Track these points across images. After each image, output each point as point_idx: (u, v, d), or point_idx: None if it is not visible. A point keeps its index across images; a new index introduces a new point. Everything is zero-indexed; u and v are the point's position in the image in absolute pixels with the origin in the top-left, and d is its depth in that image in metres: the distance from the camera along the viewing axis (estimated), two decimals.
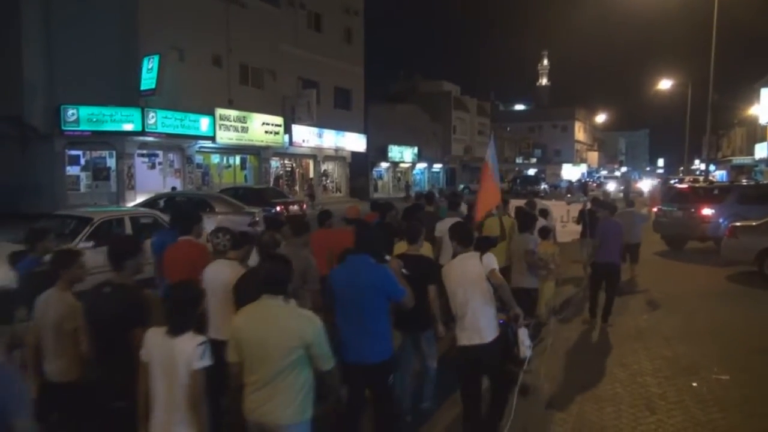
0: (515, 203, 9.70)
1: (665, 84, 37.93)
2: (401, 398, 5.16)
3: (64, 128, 21.35)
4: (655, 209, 15.61)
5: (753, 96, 40.73)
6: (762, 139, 39.81)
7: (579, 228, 10.90)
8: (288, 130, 30.09)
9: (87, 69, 20.92)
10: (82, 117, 21.41)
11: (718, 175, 51.95)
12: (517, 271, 6.76)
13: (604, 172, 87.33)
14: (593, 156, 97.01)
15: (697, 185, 20.59)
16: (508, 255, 6.97)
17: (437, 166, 53.42)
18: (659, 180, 48.23)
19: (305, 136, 31.67)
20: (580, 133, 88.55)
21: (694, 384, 5.98)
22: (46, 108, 21.30)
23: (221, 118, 25.69)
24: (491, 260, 4.40)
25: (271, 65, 29.21)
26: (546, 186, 49.55)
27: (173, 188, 22.49)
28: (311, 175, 34.50)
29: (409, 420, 5.17)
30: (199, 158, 26.95)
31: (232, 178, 28.88)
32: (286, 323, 3.25)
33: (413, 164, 47.95)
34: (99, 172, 23.30)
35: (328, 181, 35.70)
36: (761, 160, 40.83)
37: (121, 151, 22.73)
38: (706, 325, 8.28)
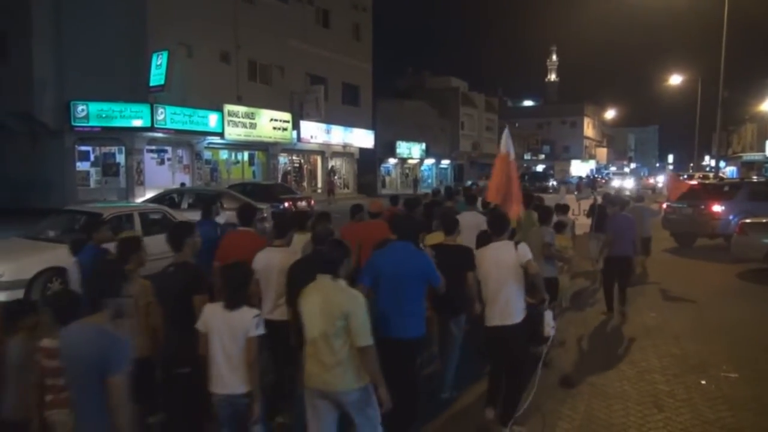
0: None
1: (675, 79, 37.64)
2: (445, 374, 5.55)
3: (74, 124, 21.50)
4: (664, 205, 15.56)
5: (764, 92, 40.42)
6: None
7: (588, 221, 11.02)
8: (296, 126, 30.13)
9: (96, 65, 21.04)
10: (91, 113, 21.54)
11: (729, 171, 51.53)
12: (535, 261, 6.94)
13: (613, 169, 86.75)
14: (602, 152, 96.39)
15: (707, 182, 20.45)
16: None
17: (445, 162, 53.28)
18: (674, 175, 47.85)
19: (313, 132, 31.70)
20: (588, 129, 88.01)
21: (703, 382, 5.96)
22: (56, 104, 21.44)
23: (230, 114, 25.78)
24: (526, 250, 4.76)
25: (280, 61, 29.26)
26: (554, 182, 49.33)
27: (182, 184, 22.59)
28: (327, 170, 34.78)
29: (446, 396, 5.48)
30: (207, 154, 27.06)
31: (240, 174, 28.96)
32: (333, 297, 3.62)
33: (421, 160, 47.87)
34: (108, 168, 23.45)
35: (335, 178, 35.77)
36: None
37: (131, 146, 22.86)
38: (716, 323, 8.23)
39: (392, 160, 44.27)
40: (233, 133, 26.09)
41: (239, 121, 26.39)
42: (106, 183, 23.24)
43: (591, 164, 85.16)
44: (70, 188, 21.83)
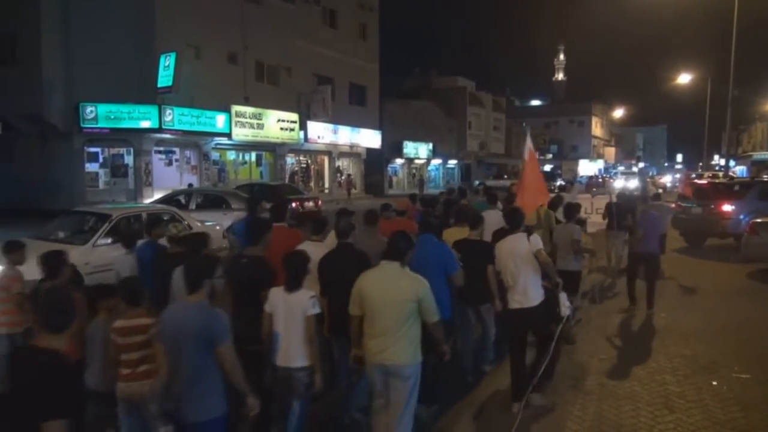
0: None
1: (684, 78, 37.30)
2: (463, 360, 6.15)
3: (82, 125, 21.63)
4: (672, 205, 15.47)
5: None
6: None
7: (600, 219, 11.04)
8: (303, 126, 30.20)
9: (105, 67, 21.16)
10: (100, 114, 21.67)
11: (739, 170, 51.14)
12: (562, 256, 7.34)
13: (621, 168, 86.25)
14: (610, 152, 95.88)
15: (717, 181, 20.31)
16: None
17: (452, 162, 53.15)
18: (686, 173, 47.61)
19: (320, 132, 31.74)
20: (596, 128, 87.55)
21: (714, 383, 5.90)
22: (65, 106, 21.58)
23: (237, 115, 25.86)
24: (538, 240, 5.25)
25: (287, 62, 29.30)
26: (562, 182, 49.13)
27: (190, 185, 22.66)
28: (346, 172, 35.25)
29: (470, 380, 6.04)
30: (215, 155, 27.17)
31: (247, 175, 29.10)
32: (403, 282, 4.07)
33: (428, 160, 47.79)
34: (117, 169, 23.58)
35: (342, 178, 35.82)
36: None
37: (139, 148, 22.98)
38: (726, 323, 8.15)
39: (399, 161, 44.25)
40: (241, 133, 26.18)
41: (247, 122, 26.47)
42: (115, 184, 23.36)
43: (599, 164, 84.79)
44: (78, 189, 21.96)
